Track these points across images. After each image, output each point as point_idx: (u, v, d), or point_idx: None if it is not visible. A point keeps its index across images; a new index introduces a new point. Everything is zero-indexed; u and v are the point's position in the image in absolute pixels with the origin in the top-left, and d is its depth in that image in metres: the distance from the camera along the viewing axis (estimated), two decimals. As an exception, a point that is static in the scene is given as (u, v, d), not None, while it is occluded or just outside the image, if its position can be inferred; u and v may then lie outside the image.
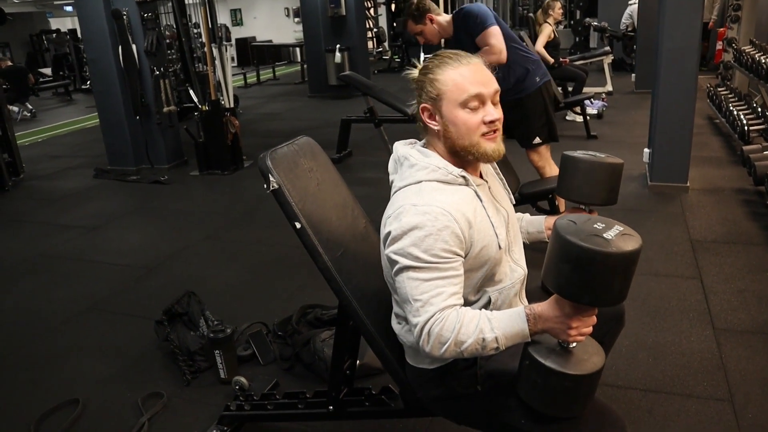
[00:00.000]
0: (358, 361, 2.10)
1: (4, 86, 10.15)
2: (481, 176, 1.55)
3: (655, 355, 2.52)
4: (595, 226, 1.20)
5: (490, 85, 1.43)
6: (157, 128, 5.99)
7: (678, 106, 4.24)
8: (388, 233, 1.39)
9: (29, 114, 10.57)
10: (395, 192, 1.49)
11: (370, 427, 2.20)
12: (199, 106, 5.73)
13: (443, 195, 1.40)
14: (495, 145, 1.45)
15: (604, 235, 1.16)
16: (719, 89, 6.69)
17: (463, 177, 1.45)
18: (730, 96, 6.27)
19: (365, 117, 5.60)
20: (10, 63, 11.40)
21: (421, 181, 1.44)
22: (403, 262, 1.36)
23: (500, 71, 3.41)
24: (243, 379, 2.42)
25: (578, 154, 1.64)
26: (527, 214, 1.80)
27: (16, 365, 2.82)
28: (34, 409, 2.43)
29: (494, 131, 1.44)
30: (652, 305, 2.91)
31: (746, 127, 5.09)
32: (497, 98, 1.45)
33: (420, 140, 1.57)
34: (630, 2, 10.72)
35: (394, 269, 1.39)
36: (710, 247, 3.52)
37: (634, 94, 8.36)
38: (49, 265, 4.02)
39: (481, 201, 1.46)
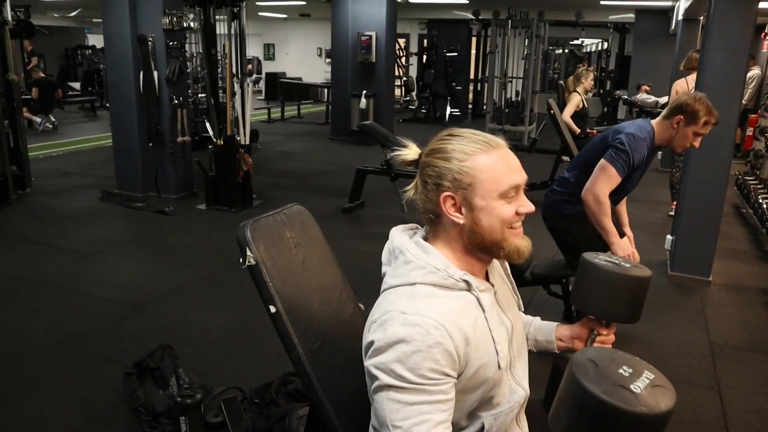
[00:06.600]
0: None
1: (29, 97, 10.26)
2: (487, 278, 1.36)
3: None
4: (621, 371, 0.99)
5: (523, 172, 1.26)
6: (169, 157, 5.89)
7: (707, 196, 4.04)
8: (371, 342, 1.18)
9: (51, 126, 10.60)
10: (385, 290, 1.28)
11: None
12: (214, 140, 5.62)
13: (439, 303, 1.20)
14: (525, 241, 1.28)
15: (632, 386, 0.96)
16: (748, 178, 6.49)
17: (465, 281, 1.25)
18: (759, 187, 6.06)
19: (382, 169, 5.45)
20: (42, 75, 11.49)
21: (415, 284, 1.23)
22: (385, 379, 1.15)
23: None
24: (206, 454, 2.20)
25: (600, 260, 1.42)
26: (537, 318, 1.59)
27: (-29, 403, 2.63)
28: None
29: (521, 225, 1.28)
30: (664, 415, 2.66)
31: (775, 223, 4.87)
32: None
33: (422, 226, 1.38)
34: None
35: (374, 385, 1.18)
36: (731, 354, 3.27)
37: (658, 172, 8.16)
38: (32, 290, 3.85)
39: (483, 311, 1.26)
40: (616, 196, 2.86)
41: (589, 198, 2.73)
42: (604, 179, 2.70)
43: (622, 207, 3.13)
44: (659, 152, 6.42)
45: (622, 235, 2.97)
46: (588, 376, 0.97)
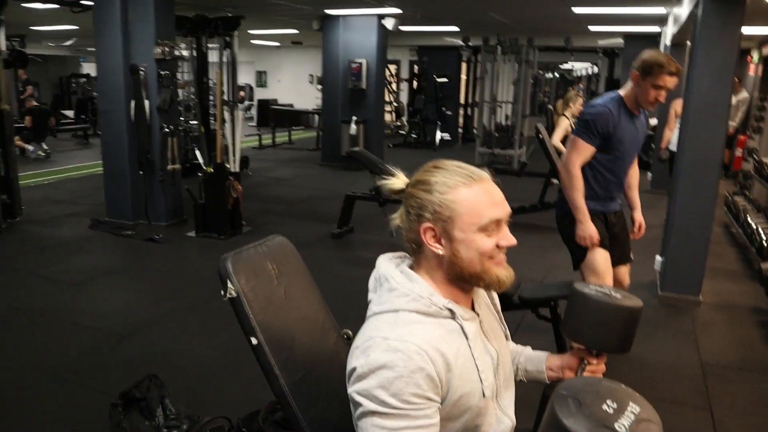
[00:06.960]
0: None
1: (22, 125, 10.28)
2: (473, 307, 1.36)
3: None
4: (605, 408, 0.96)
5: (506, 206, 1.27)
6: (159, 185, 5.90)
7: (696, 217, 4.07)
8: (354, 369, 1.19)
9: (43, 154, 10.61)
10: (369, 317, 1.29)
11: None
12: (204, 167, 5.63)
13: (422, 329, 1.20)
14: (506, 271, 1.28)
15: (616, 425, 0.92)
16: (737, 198, 6.54)
17: (449, 309, 1.26)
18: (748, 207, 6.10)
19: (370, 195, 5.46)
20: (35, 103, 11.52)
21: (398, 310, 1.24)
22: (368, 405, 1.15)
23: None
24: (192, 487, 2.17)
25: (590, 290, 1.41)
26: (528, 348, 1.59)
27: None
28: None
29: (503, 255, 1.28)
30: (655, 439, 2.64)
31: (765, 243, 4.88)
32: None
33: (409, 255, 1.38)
34: None
35: (357, 412, 1.18)
36: (722, 374, 3.26)
37: (649, 193, 8.22)
38: (20, 320, 3.82)
39: (467, 338, 1.26)
40: (612, 168, 2.91)
41: (563, 171, 2.87)
42: (574, 152, 2.83)
43: (634, 192, 3.21)
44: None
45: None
46: (570, 417, 0.93)
